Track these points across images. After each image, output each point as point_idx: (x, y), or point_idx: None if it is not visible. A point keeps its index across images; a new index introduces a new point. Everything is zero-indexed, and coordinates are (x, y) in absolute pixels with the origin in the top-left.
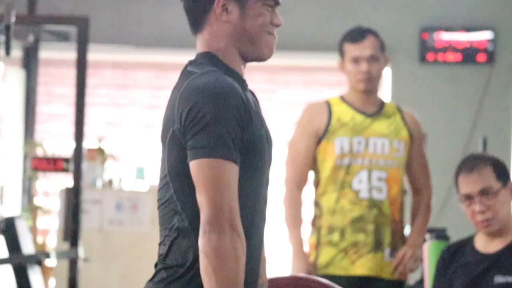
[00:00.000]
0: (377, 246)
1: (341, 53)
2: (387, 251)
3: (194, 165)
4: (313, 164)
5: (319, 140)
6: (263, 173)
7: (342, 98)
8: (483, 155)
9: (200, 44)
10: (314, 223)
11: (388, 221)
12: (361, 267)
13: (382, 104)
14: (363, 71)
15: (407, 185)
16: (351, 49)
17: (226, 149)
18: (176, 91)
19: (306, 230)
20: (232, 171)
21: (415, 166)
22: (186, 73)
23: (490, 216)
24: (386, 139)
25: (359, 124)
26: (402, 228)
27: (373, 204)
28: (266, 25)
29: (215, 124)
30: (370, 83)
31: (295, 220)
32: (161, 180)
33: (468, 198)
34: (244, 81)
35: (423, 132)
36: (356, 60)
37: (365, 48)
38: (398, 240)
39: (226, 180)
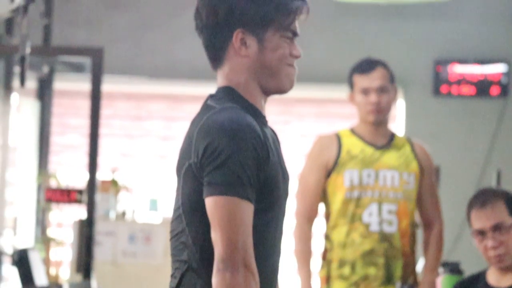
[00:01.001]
0: (388, 279)
1: (351, 85)
2: (398, 284)
3: (209, 202)
4: (324, 197)
5: (329, 173)
6: (278, 207)
7: (352, 130)
8: (495, 189)
9: (221, 78)
10: (324, 256)
11: (399, 254)
12: None
13: (392, 136)
14: (373, 102)
15: (417, 218)
16: (360, 81)
17: (242, 188)
18: (195, 125)
19: (316, 263)
20: (247, 209)
21: (425, 199)
22: (206, 107)
23: (502, 252)
24: (396, 172)
25: (368, 157)
26: (414, 261)
27: (384, 237)
28: (286, 57)
29: (231, 162)
30: (380, 115)
31: (304, 254)
32: (174, 211)
33: (481, 233)
34: (263, 117)
35: (433, 164)
36: (365, 92)
37: (374, 79)
38: (410, 273)
39: (241, 219)
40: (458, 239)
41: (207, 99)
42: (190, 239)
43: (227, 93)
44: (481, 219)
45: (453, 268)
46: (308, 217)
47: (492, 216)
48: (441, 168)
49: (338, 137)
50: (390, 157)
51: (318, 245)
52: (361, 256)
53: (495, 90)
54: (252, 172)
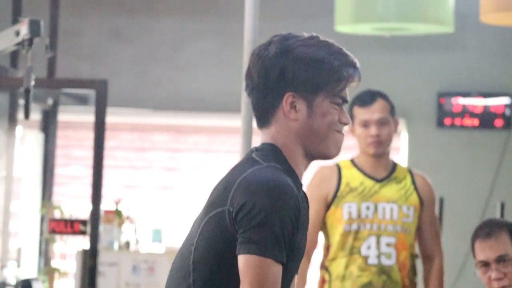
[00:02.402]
0: None
1: (351, 117)
2: None
3: (243, 260)
4: (324, 229)
5: (328, 206)
6: (291, 267)
7: (353, 162)
8: (499, 220)
9: (266, 136)
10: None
11: (398, 287)
12: None
13: (393, 168)
14: (373, 135)
15: (418, 250)
16: (360, 113)
17: (279, 251)
18: (237, 173)
19: None
20: (279, 273)
21: (425, 231)
22: (251, 160)
23: (506, 284)
24: (395, 204)
25: (368, 190)
26: None
27: (382, 270)
28: (335, 124)
29: (271, 223)
30: (380, 147)
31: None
32: (186, 240)
33: (485, 264)
34: (301, 184)
35: (434, 196)
36: (365, 124)
37: (374, 111)
38: None
39: (273, 282)
40: (462, 270)
41: (251, 152)
42: (191, 278)
43: (273, 152)
44: (485, 251)
45: None
46: (307, 252)
47: (496, 247)
48: (445, 200)
49: (338, 169)
50: (390, 189)
51: (314, 275)
52: None
53: (498, 122)
54: (289, 235)
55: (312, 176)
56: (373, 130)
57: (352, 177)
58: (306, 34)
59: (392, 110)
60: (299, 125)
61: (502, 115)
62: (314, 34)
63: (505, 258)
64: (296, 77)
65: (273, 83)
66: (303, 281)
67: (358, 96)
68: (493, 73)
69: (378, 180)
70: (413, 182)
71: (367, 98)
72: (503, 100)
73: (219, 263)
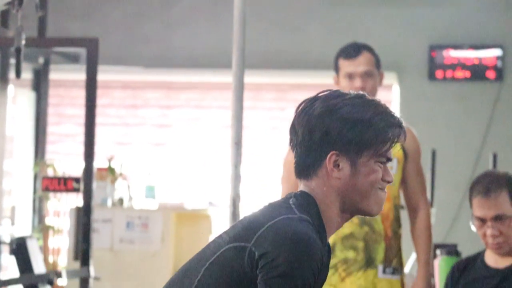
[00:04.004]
0: (369, 263)
1: (336, 69)
2: (380, 267)
3: None
4: None
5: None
6: None
7: None
8: (499, 175)
9: (305, 187)
10: None
11: (380, 238)
12: (351, 284)
13: None
14: (357, 87)
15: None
16: (346, 65)
17: None
18: (270, 214)
19: None
20: None
21: (410, 183)
22: (286, 205)
23: (501, 241)
24: None
25: None
26: (398, 244)
27: (364, 221)
28: (378, 182)
29: (293, 276)
30: None
31: None
32: (198, 258)
33: (481, 220)
34: (326, 241)
35: (420, 149)
36: (350, 76)
37: (359, 64)
38: (393, 256)
39: None
40: (455, 221)
41: (289, 197)
42: None
43: (309, 204)
44: (483, 208)
45: (451, 250)
46: None
47: (495, 206)
48: (437, 152)
49: None
50: None
51: None
52: (340, 240)
53: (490, 74)
54: None
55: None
56: (357, 82)
57: None
58: (352, 93)
59: (377, 63)
60: (341, 183)
61: (494, 67)
62: (361, 92)
63: (502, 217)
64: (341, 137)
65: (318, 142)
66: None
67: (343, 49)
68: (484, 25)
69: None
70: None
71: (352, 50)
72: (495, 52)
73: None
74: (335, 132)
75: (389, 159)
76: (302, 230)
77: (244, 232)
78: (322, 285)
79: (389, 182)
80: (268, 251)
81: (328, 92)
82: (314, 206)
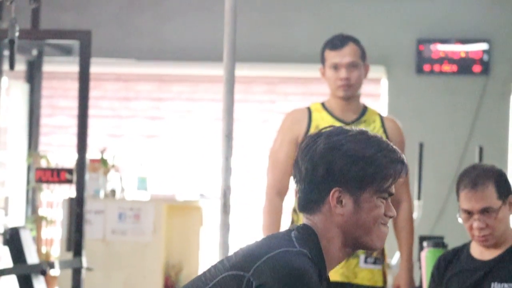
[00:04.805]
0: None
1: (322, 60)
2: (362, 257)
3: None
4: None
5: (299, 147)
6: None
7: (323, 105)
8: (486, 168)
9: (308, 220)
10: None
11: None
12: (332, 273)
13: (363, 111)
14: (342, 78)
15: None
16: (331, 56)
17: None
18: (271, 245)
19: None
20: None
21: None
22: (288, 238)
23: (487, 233)
24: None
25: None
26: None
27: None
28: (380, 217)
29: None
30: (349, 90)
31: (271, 227)
32: (198, 281)
33: (468, 213)
34: (326, 275)
35: (404, 140)
36: (335, 67)
37: (344, 55)
38: None
39: None
40: (442, 213)
41: (292, 230)
42: None
43: (310, 238)
44: (470, 201)
45: (437, 242)
46: (278, 191)
47: (481, 199)
48: (424, 145)
49: (309, 111)
50: None
51: (287, 220)
52: None
53: (477, 68)
54: None
55: (283, 119)
56: (342, 73)
57: (321, 119)
58: (355, 129)
59: (363, 55)
60: (344, 219)
61: (480, 60)
62: (363, 129)
63: (489, 210)
64: (344, 174)
65: (321, 178)
66: (278, 221)
67: (329, 40)
68: (471, 20)
69: (347, 123)
70: (383, 125)
71: (338, 41)
72: (481, 46)
73: None
74: (338, 168)
75: (391, 194)
76: (299, 264)
77: (244, 261)
78: None
79: (391, 217)
80: (266, 282)
81: (331, 128)
82: (315, 240)
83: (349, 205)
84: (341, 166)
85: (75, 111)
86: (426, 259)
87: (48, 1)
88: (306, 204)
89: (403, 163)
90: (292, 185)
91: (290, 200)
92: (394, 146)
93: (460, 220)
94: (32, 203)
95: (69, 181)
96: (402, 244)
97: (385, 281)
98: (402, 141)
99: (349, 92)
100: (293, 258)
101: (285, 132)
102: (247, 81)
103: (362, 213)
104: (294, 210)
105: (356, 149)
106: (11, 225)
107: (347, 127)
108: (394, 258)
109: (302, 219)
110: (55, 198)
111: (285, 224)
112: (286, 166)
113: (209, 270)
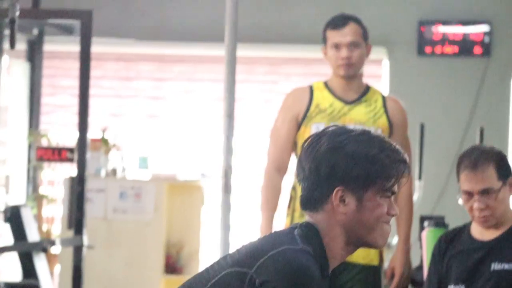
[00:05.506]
0: None
1: (324, 40)
2: None
3: None
4: (295, 149)
5: (299, 126)
6: None
7: (325, 84)
8: (486, 149)
9: (310, 218)
10: (289, 205)
11: None
12: None
13: (365, 91)
14: (343, 57)
15: None
16: (333, 35)
17: None
18: (274, 243)
19: (281, 216)
20: None
21: None
22: (290, 235)
23: (488, 214)
24: (363, 126)
25: (337, 111)
26: None
27: None
28: (383, 216)
29: None
30: (350, 69)
31: (269, 204)
32: (200, 277)
33: (468, 194)
34: (328, 272)
35: (406, 121)
36: (337, 46)
37: (346, 34)
38: None
39: None
40: (443, 194)
41: (295, 227)
42: None
43: (313, 236)
44: (470, 182)
45: (438, 222)
46: (277, 168)
47: (482, 180)
48: (425, 126)
49: (311, 90)
50: (359, 111)
51: (285, 199)
52: None
53: (477, 50)
54: None
55: (285, 98)
56: (344, 52)
57: (322, 98)
58: (358, 129)
59: (364, 35)
60: (347, 218)
61: (481, 42)
62: (366, 129)
63: (489, 191)
64: (347, 173)
65: (324, 177)
66: (276, 198)
67: (331, 20)
68: (472, 1)
69: (348, 102)
70: (384, 105)
71: (339, 21)
72: (482, 28)
73: None
74: (341, 168)
75: (393, 193)
76: (302, 261)
77: (247, 258)
78: None
79: (394, 215)
80: (269, 279)
81: (334, 128)
82: (318, 238)
83: (352, 204)
84: (344, 166)
85: (76, 90)
86: (427, 239)
87: None
88: (309, 202)
89: (405, 163)
90: (292, 164)
91: (289, 178)
92: (397, 146)
93: (460, 202)
94: (33, 181)
95: (70, 160)
96: (400, 226)
97: (381, 260)
98: (405, 122)
99: (350, 71)
100: (296, 255)
101: (286, 111)
102: (249, 61)
103: (365, 212)
104: (293, 188)
105: (359, 149)
106: (12, 203)
107: (350, 127)
108: (393, 238)
109: (305, 217)
110: (56, 177)
111: (283, 202)
112: (287, 144)
113: (211, 266)
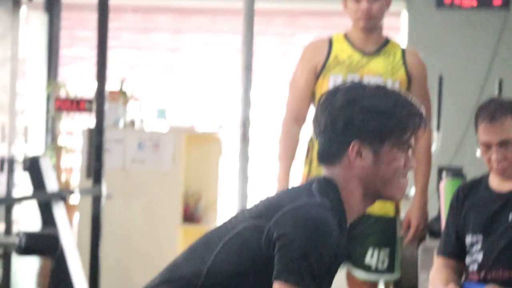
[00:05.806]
0: None
1: None
2: None
3: (281, 286)
4: (313, 100)
5: (317, 77)
6: None
7: (345, 35)
8: (504, 101)
9: (328, 172)
10: (307, 154)
11: None
12: None
13: (385, 43)
14: (363, 9)
15: None
16: None
17: (312, 286)
18: (292, 197)
19: (298, 166)
20: None
21: None
22: (308, 189)
23: (506, 165)
24: (380, 78)
25: (355, 63)
26: None
27: None
28: (400, 169)
29: (310, 259)
30: (370, 21)
31: (286, 155)
32: (218, 230)
33: (486, 145)
34: (346, 226)
35: (425, 73)
36: None
37: None
38: None
39: None
40: (461, 145)
41: (312, 181)
42: (200, 280)
43: (331, 189)
44: (488, 134)
45: (456, 173)
46: (296, 118)
47: (500, 132)
48: (444, 78)
49: (330, 41)
50: (377, 63)
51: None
52: None
53: (497, 1)
54: (323, 274)
55: (304, 49)
56: (364, 4)
57: (341, 50)
58: (373, 84)
59: None
60: (364, 171)
61: None
62: (382, 84)
63: (507, 142)
64: (363, 127)
65: (340, 132)
66: (294, 149)
67: None
68: None
69: (366, 54)
70: (403, 58)
71: None
72: None
73: (239, 265)
74: (357, 122)
75: (410, 146)
76: (320, 215)
77: (265, 211)
78: (336, 270)
79: (411, 168)
80: (287, 232)
81: (350, 84)
82: (336, 192)
83: (368, 158)
84: (360, 120)
85: (94, 42)
86: (445, 189)
87: None
88: (326, 156)
89: (421, 117)
90: (310, 115)
91: (307, 130)
92: (413, 100)
93: (478, 153)
94: (51, 132)
95: (88, 110)
96: (418, 178)
97: (397, 211)
98: (424, 74)
99: (370, 23)
100: (314, 209)
101: (305, 62)
102: (266, 13)
103: (382, 165)
104: (311, 139)
105: (374, 103)
106: (31, 153)
107: (365, 83)
108: (411, 189)
109: (323, 171)
110: (74, 127)
111: (301, 152)
112: (305, 95)
113: (229, 220)
